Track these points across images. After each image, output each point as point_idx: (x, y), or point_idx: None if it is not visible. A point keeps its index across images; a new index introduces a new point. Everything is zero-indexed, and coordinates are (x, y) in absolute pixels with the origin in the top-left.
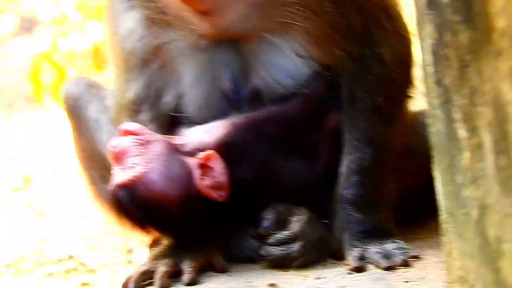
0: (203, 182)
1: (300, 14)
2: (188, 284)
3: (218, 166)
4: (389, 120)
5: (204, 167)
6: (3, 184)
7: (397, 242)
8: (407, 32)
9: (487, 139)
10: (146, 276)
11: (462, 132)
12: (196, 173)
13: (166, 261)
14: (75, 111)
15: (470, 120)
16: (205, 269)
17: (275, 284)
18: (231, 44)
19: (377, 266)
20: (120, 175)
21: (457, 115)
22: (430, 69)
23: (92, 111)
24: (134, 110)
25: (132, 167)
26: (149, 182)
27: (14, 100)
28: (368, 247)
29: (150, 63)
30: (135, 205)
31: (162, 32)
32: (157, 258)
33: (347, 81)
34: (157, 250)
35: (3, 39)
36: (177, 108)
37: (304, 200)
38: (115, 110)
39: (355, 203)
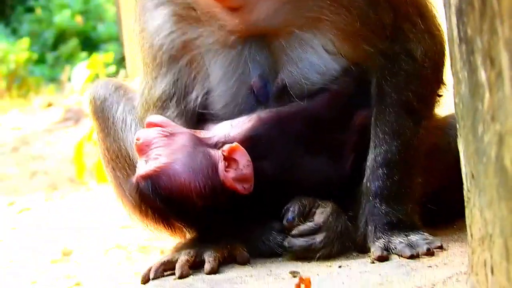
0: (227, 175)
1: (330, 9)
2: (209, 273)
3: (242, 159)
4: (417, 116)
5: (229, 159)
6: (43, 257)
7: (422, 233)
8: (440, 31)
9: (505, 69)
10: (167, 266)
11: (482, 73)
12: (221, 165)
13: (188, 251)
14: (102, 112)
15: (488, 56)
16: (227, 260)
17: (297, 271)
18: (259, 39)
19: (401, 256)
20: (143, 167)
21: (479, 60)
22: (455, 31)
23: (119, 111)
24: (160, 106)
25: (156, 158)
26: (173, 173)
27: (57, 182)
28: (392, 238)
29: (178, 59)
30: (158, 196)
31: (190, 28)
32: (178, 249)
33: (376, 77)
34: (179, 243)
35: (49, 129)
36: (204, 104)
37: (328, 194)
38: (141, 108)
39: (381, 195)
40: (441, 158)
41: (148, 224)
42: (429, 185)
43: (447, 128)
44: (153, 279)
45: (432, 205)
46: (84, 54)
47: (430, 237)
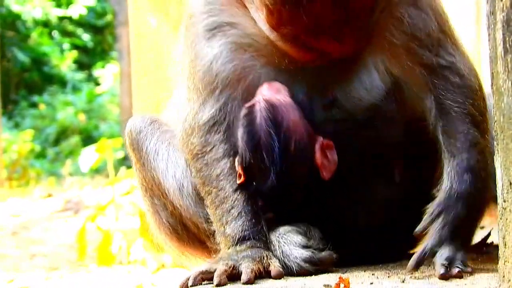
0: (319, 155)
1: (383, 29)
2: (246, 283)
3: (333, 155)
4: (483, 128)
5: (324, 149)
6: None
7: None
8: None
9: None
10: (206, 275)
11: None
12: (318, 146)
13: (226, 262)
14: (137, 144)
15: None
16: (262, 274)
17: (330, 285)
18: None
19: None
20: (266, 93)
21: None
22: (500, 46)
23: (152, 142)
24: (207, 131)
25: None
26: (287, 112)
27: (57, 264)
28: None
29: (233, 85)
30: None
31: (247, 56)
32: (216, 261)
33: (431, 93)
34: (216, 256)
35: (49, 217)
36: None
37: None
38: (184, 133)
39: (465, 199)
40: None
41: (184, 250)
42: None
43: None
44: (191, 286)
45: None
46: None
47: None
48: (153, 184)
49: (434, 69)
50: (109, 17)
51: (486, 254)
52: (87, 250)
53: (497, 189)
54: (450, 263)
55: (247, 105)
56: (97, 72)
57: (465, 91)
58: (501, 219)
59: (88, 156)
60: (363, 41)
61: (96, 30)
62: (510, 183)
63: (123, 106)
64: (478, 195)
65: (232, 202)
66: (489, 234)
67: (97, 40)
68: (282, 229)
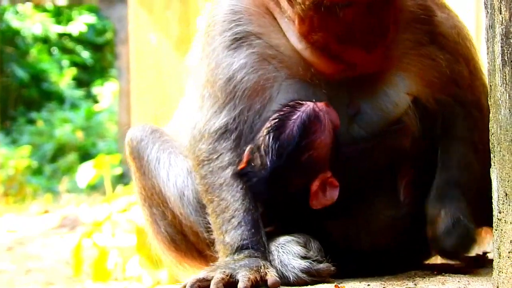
0: (316, 185)
1: (416, 57)
2: None
3: (333, 193)
4: (480, 158)
5: (324, 184)
6: None
7: None
8: None
9: None
10: (203, 283)
11: None
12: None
13: (223, 270)
14: (138, 152)
15: None
16: (258, 283)
17: None
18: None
19: None
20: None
21: None
22: (498, 59)
23: (153, 151)
24: (217, 138)
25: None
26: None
27: (52, 280)
28: None
29: (251, 96)
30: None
31: (271, 67)
32: (213, 269)
33: (447, 115)
34: (213, 264)
35: (45, 233)
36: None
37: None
38: (192, 139)
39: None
40: None
41: (181, 260)
42: None
43: None
44: None
45: None
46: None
47: None
48: (153, 193)
49: (460, 101)
50: (109, 35)
51: (481, 267)
52: (83, 266)
53: (492, 200)
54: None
55: (299, 102)
56: (95, 89)
57: (478, 123)
58: (496, 230)
59: (86, 172)
60: (391, 58)
61: (96, 48)
62: (506, 194)
63: (121, 124)
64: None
65: (233, 211)
66: (486, 253)
67: (97, 58)
68: (282, 239)
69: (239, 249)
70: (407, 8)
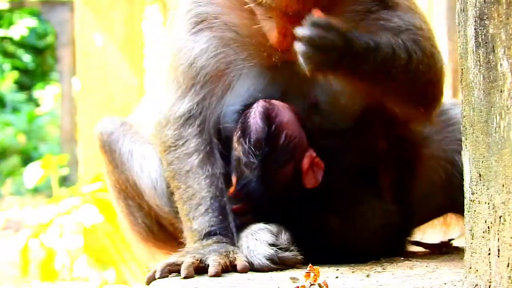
0: (307, 164)
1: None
2: (213, 276)
3: (319, 174)
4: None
5: (312, 165)
6: None
7: None
8: None
9: None
10: (173, 267)
11: (504, 63)
12: (307, 159)
13: (193, 255)
14: (109, 146)
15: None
16: (228, 268)
17: (296, 277)
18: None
19: None
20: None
21: (500, 53)
22: (471, 41)
23: (125, 143)
24: (182, 124)
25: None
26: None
27: None
28: None
29: (216, 79)
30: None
31: (232, 51)
32: (183, 254)
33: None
34: (183, 249)
35: None
36: (222, 123)
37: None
38: (158, 125)
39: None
40: None
41: (160, 250)
42: None
43: None
44: (158, 278)
45: None
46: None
47: None
48: (127, 186)
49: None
50: (50, 38)
51: (446, 254)
52: (30, 267)
53: (464, 183)
54: None
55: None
56: (37, 93)
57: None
58: (468, 211)
59: (33, 172)
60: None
61: (37, 51)
62: (480, 175)
63: (63, 127)
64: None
65: (200, 199)
66: (451, 239)
67: (38, 61)
68: (255, 227)
69: (208, 235)
70: None
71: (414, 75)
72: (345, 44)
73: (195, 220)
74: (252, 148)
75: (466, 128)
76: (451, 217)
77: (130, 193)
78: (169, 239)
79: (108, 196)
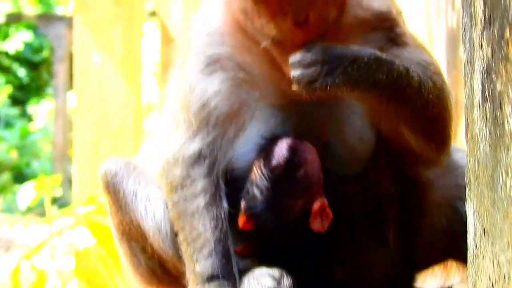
0: (316, 209)
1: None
2: None
3: (326, 222)
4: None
5: (320, 211)
6: None
7: None
8: None
9: None
10: None
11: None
12: (317, 205)
13: None
14: (113, 186)
15: None
16: None
17: None
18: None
19: None
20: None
21: (507, 110)
22: (477, 95)
23: (129, 184)
24: (191, 163)
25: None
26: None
27: None
28: None
29: (225, 122)
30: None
31: (245, 91)
32: None
33: None
34: None
35: None
36: (235, 165)
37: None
38: (166, 163)
39: None
40: None
41: None
42: None
43: None
44: None
45: None
46: (17, 187)
47: None
48: (131, 227)
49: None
50: (46, 53)
51: None
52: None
53: (467, 235)
54: None
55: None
56: (31, 108)
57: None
58: (472, 265)
59: (26, 193)
60: None
61: (32, 66)
62: (484, 230)
63: (56, 143)
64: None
65: (204, 241)
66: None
67: (33, 76)
68: (257, 271)
69: (210, 279)
70: (362, 18)
71: (426, 102)
72: (330, 57)
73: (198, 262)
74: (269, 172)
75: (470, 181)
76: (451, 263)
77: (134, 235)
78: (173, 283)
79: (102, 219)
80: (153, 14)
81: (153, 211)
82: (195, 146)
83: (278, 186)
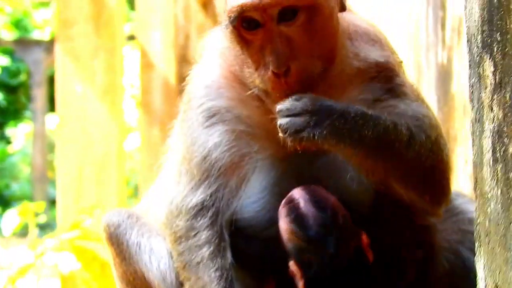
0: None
1: None
2: None
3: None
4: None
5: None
6: None
7: None
8: None
9: None
10: None
11: None
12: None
13: None
14: (116, 238)
15: None
16: None
17: None
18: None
19: None
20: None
21: None
22: (488, 154)
23: (133, 235)
24: (194, 214)
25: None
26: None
27: None
28: None
29: (227, 174)
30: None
31: (246, 143)
32: None
33: None
34: None
35: None
36: (239, 216)
37: None
38: (169, 214)
39: None
40: None
41: None
42: None
43: None
44: None
45: None
46: None
47: None
48: (135, 278)
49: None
50: (23, 77)
51: None
52: None
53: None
54: None
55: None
56: (9, 131)
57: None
58: None
59: (11, 219)
60: None
61: (10, 90)
62: (497, 286)
63: (35, 166)
64: None
65: None
66: None
67: (10, 100)
68: None
69: None
70: (358, 68)
71: (418, 156)
72: (319, 108)
73: None
74: (316, 236)
75: (480, 236)
76: None
77: (139, 286)
78: None
79: (87, 244)
80: (131, 37)
81: (157, 262)
82: (197, 197)
83: (327, 241)
